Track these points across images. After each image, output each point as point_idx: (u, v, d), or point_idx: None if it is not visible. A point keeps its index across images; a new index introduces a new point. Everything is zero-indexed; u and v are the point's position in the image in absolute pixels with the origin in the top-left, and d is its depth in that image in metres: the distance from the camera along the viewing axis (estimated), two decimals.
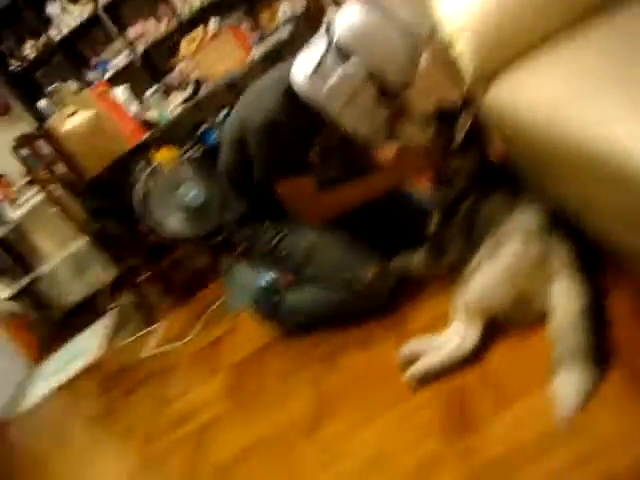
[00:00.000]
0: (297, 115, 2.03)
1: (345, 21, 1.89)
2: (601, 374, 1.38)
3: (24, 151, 3.74)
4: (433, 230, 2.06)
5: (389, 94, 1.92)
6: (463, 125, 1.91)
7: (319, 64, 1.92)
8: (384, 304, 2.14)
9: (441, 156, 2.01)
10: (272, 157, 2.11)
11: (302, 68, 1.98)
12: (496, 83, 1.71)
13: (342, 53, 1.87)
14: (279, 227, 2.29)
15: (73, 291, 4.99)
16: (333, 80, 1.90)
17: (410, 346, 1.79)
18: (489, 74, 1.73)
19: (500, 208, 1.79)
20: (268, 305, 2.40)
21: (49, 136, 3.45)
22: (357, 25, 1.87)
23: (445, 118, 1.95)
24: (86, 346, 3.98)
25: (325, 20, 1.95)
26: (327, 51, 1.90)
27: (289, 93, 2.02)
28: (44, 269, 4.92)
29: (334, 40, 1.88)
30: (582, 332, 1.43)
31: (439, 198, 2.07)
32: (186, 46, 4.12)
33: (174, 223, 3.28)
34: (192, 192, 3.25)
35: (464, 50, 1.74)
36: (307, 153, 2.15)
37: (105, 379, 3.38)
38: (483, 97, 1.76)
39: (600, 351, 1.42)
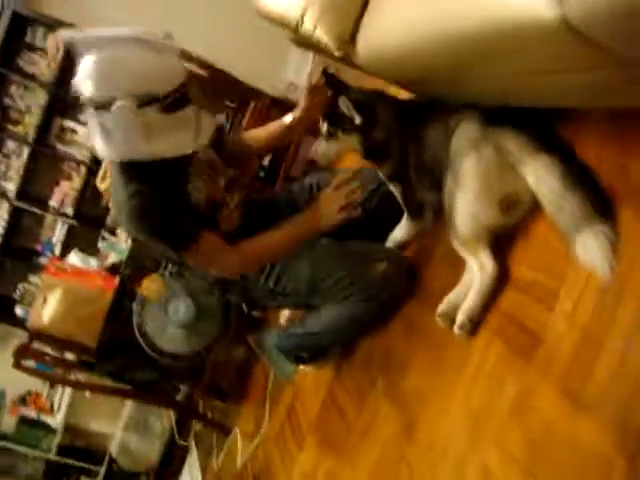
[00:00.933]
0: (145, 179, 1.92)
1: (81, 77, 1.81)
2: (614, 222, 1.34)
3: (29, 362, 3.74)
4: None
5: (175, 101, 1.85)
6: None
7: (101, 130, 1.85)
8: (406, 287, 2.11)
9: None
10: (163, 236, 2.00)
11: (98, 146, 1.91)
12: (360, 39, 1.70)
13: (105, 104, 1.78)
14: (263, 272, 2.21)
15: (150, 450, 4.98)
16: (118, 132, 1.83)
17: (443, 306, 1.76)
18: (348, 36, 1.71)
19: (437, 140, 1.76)
20: (297, 351, 2.36)
21: (39, 335, 3.46)
22: (91, 70, 1.79)
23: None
24: None
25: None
26: (98, 115, 1.82)
27: (122, 170, 1.94)
28: (113, 449, 4.92)
29: (91, 102, 1.81)
30: (574, 196, 1.39)
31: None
32: (102, 183, 4.12)
33: (183, 343, 3.24)
34: (181, 308, 3.17)
35: (316, 27, 1.72)
36: (188, 205, 2.03)
37: None
38: (356, 58, 1.74)
39: (601, 201, 1.38)
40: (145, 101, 1.79)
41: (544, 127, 1.56)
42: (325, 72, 2.02)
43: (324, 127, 2.05)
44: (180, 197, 2.00)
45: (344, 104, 1.95)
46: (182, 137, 1.90)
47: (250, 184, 2.55)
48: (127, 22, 4.60)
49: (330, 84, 2.01)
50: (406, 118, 1.93)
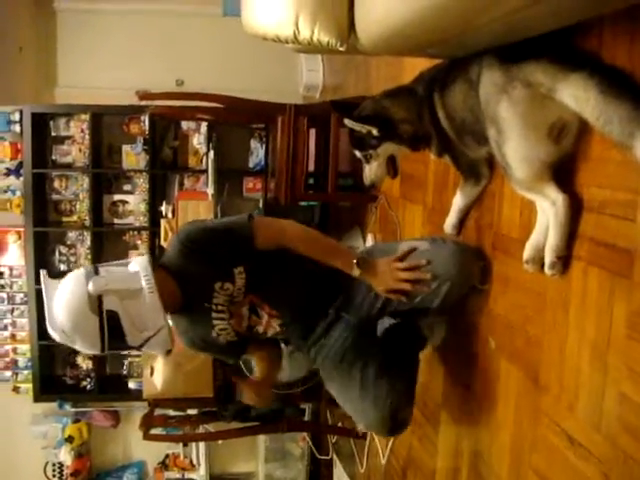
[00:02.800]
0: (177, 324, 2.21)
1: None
2: None
3: (156, 430, 3.85)
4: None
5: None
6: None
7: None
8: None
9: None
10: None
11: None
12: (358, 27, 1.69)
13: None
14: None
15: (296, 474, 5.06)
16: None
17: (527, 252, 1.73)
18: (346, 28, 1.70)
19: (465, 98, 1.75)
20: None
21: (157, 402, 3.56)
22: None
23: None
24: None
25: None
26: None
27: None
28: None
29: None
30: (617, 103, 1.35)
31: None
32: (166, 241, 4.22)
33: (294, 370, 3.30)
34: None
35: (313, 31, 1.72)
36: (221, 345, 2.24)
37: None
38: (361, 45, 1.73)
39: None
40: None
41: (564, 47, 1.53)
42: (332, 103, 2.07)
43: (358, 155, 2.12)
44: (211, 343, 2.20)
45: (351, 124, 2.03)
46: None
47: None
48: (136, 76, 4.73)
49: (337, 110, 2.07)
50: (420, 95, 1.94)
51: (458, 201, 2.17)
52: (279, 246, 2.13)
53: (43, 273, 2.03)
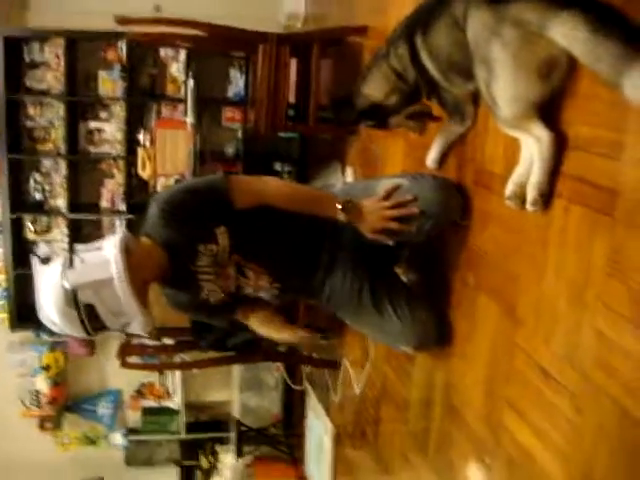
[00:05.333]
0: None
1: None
2: None
3: (133, 359, 3.87)
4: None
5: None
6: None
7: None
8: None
9: None
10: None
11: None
12: None
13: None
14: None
15: (270, 403, 5.15)
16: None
17: (509, 188, 1.73)
18: None
19: (450, 39, 1.74)
20: None
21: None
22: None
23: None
24: (320, 424, 4.09)
25: None
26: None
27: None
28: (236, 412, 5.10)
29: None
30: (607, 41, 1.32)
31: None
32: (143, 171, 4.17)
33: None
34: None
35: None
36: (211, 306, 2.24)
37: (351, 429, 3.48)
38: None
39: (636, 37, 1.32)
40: None
41: None
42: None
43: (367, 125, 2.24)
44: (200, 305, 2.24)
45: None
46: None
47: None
48: (113, 1, 4.61)
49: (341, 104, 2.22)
50: (390, 51, 1.97)
51: (441, 137, 2.16)
52: (259, 204, 2.12)
53: (35, 260, 2.06)
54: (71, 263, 1.96)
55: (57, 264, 1.99)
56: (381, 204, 2.08)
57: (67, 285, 1.92)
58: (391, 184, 2.12)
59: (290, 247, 2.24)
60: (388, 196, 2.09)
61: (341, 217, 2.10)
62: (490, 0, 1.57)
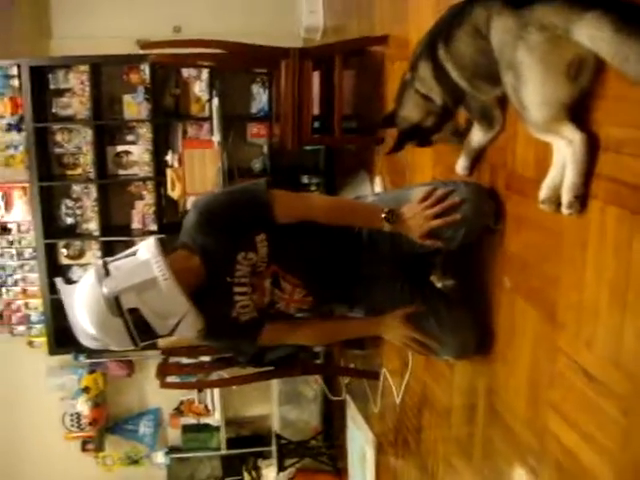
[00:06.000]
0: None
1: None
2: None
3: (172, 378, 3.91)
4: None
5: None
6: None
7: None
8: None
9: None
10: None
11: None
12: None
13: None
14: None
15: (310, 415, 5.15)
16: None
17: (543, 192, 1.72)
18: None
19: (475, 47, 1.74)
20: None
21: (171, 351, 3.61)
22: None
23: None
24: (361, 435, 4.08)
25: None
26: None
27: None
28: (276, 426, 5.11)
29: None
30: (633, 40, 1.32)
31: None
32: (173, 191, 4.21)
33: None
34: None
35: None
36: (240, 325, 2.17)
37: (393, 438, 3.48)
38: None
39: None
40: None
41: None
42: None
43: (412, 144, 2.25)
44: (228, 326, 2.15)
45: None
46: None
47: None
48: (133, 24, 4.67)
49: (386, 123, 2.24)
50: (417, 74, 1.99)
51: (470, 144, 2.16)
52: (301, 220, 2.11)
53: (58, 281, 2.02)
54: (107, 272, 1.89)
55: (89, 277, 1.92)
56: (421, 205, 2.08)
57: (107, 293, 1.85)
58: (423, 191, 2.12)
59: (327, 258, 2.24)
60: (426, 198, 2.09)
61: (386, 227, 2.09)
62: (512, 6, 1.57)
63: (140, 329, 1.89)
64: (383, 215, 2.08)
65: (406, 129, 2.15)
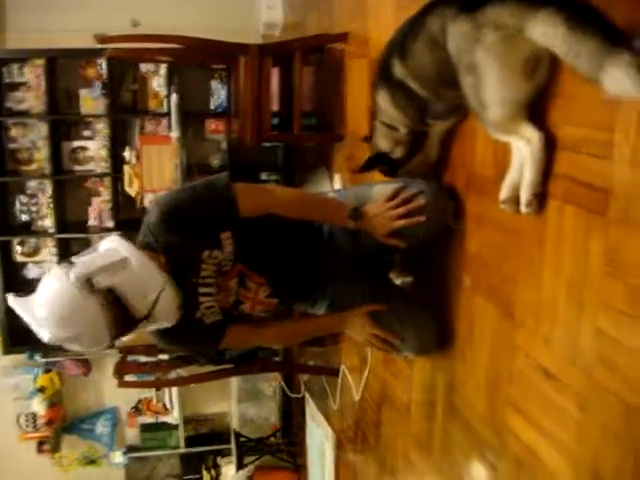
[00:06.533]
0: None
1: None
2: (631, 45, 1.29)
3: (129, 377, 3.87)
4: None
5: None
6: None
7: None
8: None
9: None
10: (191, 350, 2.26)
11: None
12: None
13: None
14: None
15: (268, 412, 5.15)
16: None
17: (503, 192, 1.74)
18: None
19: (433, 54, 1.76)
20: None
21: (129, 350, 3.57)
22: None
23: None
24: (320, 432, 4.09)
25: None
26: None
27: None
28: (235, 423, 5.09)
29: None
30: (584, 37, 1.33)
31: None
32: (130, 187, 4.16)
33: None
34: None
35: None
36: (204, 326, 2.08)
37: (353, 435, 3.48)
38: None
39: (612, 32, 1.32)
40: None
41: None
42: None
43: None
44: (191, 327, 2.05)
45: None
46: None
47: None
48: (90, 17, 4.60)
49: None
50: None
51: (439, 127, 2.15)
52: (265, 213, 2.07)
53: (11, 298, 1.81)
54: (71, 263, 1.78)
55: (54, 272, 1.79)
56: (386, 205, 2.08)
57: (75, 278, 1.72)
58: (389, 189, 2.12)
59: (291, 255, 2.22)
60: (392, 198, 2.09)
61: (350, 225, 2.09)
62: (465, 10, 1.59)
63: (116, 312, 1.76)
64: (348, 212, 2.08)
65: (375, 156, 2.19)
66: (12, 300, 1.80)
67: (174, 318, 1.93)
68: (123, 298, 1.77)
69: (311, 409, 4.29)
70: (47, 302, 1.75)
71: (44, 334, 1.74)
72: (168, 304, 1.87)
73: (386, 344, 2.27)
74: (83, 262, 1.79)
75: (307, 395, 4.36)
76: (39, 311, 1.74)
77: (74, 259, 1.82)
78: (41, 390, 5.10)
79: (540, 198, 1.64)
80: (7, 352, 4.92)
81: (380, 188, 2.16)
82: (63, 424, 5.43)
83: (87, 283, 1.73)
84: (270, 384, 5.07)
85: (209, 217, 2.00)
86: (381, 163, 2.20)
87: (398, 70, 1.89)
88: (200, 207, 1.99)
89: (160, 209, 1.96)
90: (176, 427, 5.41)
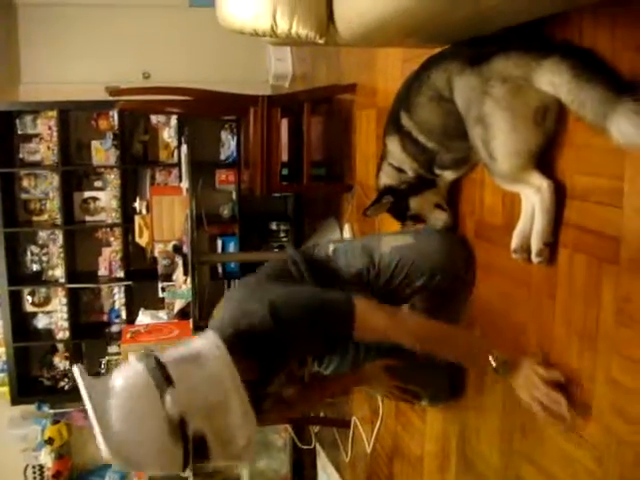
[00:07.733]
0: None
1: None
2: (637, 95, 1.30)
3: None
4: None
5: None
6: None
7: None
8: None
9: None
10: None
11: None
12: (337, 20, 1.67)
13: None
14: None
15: (279, 465, 5.08)
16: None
17: (514, 241, 1.73)
18: (325, 21, 1.69)
19: (437, 108, 1.80)
20: None
21: None
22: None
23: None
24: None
25: None
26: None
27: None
28: (246, 476, 5.01)
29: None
30: (590, 85, 1.36)
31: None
32: (140, 238, 4.18)
33: None
34: None
35: (292, 24, 1.70)
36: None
37: None
38: (340, 38, 1.72)
39: (617, 81, 1.34)
40: None
41: (533, 36, 1.56)
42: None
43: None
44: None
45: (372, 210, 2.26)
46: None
47: None
48: (102, 70, 4.67)
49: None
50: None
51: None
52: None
53: (78, 369, 1.51)
54: (168, 378, 1.46)
55: (143, 381, 1.46)
56: (540, 379, 1.68)
57: (172, 410, 1.43)
58: (397, 242, 2.11)
59: None
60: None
61: (490, 369, 1.79)
62: (470, 63, 1.61)
63: (196, 458, 1.49)
64: (492, 362, 1.76)
65: (382, 191, 2.20)
66: (80, 374, 1.49)
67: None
68: (209, 446, 1.50)
69: (322, 461, 4.22)
70: (127, 418, 1.44)
71: (105, 452, 1.41)
72: (246, 458, 1.57)
73: (406, 393, 2.26)
74: (183, 390, 1.46)
75: (318, 446, 4.30)
76: (115, 423, 1.43)
77: (170, 366, 1.49)
78: (49, 442, 5.04)
79: (551, 247, 1.64)
80: (15, 402, 4.89)
81: (389, 239, 2.15)
82: (71, 476, 5.34)
83: (180, 423, 1.45)
84: (280, 435, 4.99)
85: (313, 340, 1.80)
86: (388, 194, 2.19)
87: (406, 122, 1.91)
88: (311, 332, 1.75)
89: (272, 313, 1.70)
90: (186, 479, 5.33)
